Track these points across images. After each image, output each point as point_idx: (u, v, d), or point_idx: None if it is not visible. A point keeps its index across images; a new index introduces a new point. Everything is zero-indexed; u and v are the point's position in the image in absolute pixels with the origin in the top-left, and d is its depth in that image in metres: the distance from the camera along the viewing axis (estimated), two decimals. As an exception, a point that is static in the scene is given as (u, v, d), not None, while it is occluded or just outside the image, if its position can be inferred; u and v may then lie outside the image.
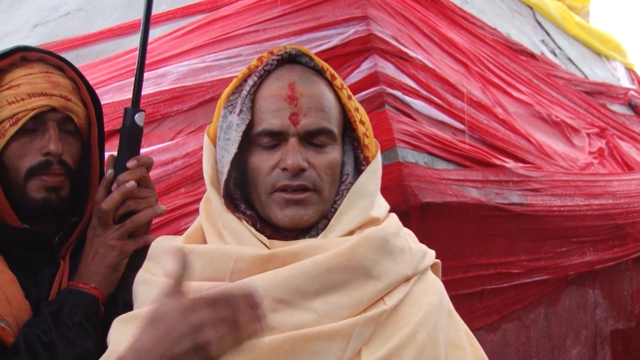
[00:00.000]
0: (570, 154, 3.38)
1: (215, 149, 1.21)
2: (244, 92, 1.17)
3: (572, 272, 2.98)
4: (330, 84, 1.20)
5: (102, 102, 2.76)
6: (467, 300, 2.53)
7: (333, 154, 1.16)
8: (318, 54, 2.56)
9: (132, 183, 1.43)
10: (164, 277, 1.14)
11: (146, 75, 2.80)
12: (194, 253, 1.12)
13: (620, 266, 3.31)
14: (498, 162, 2.68)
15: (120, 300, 1.46)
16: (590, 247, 3.06)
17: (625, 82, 5.18)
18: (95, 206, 1.46)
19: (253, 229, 1.14)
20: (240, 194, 1.19)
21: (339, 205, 1.17)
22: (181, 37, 2.98)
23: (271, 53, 1.20)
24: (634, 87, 5.14)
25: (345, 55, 2.53)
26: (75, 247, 1.51)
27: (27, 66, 1.46)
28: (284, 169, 1.12)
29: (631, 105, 4.71)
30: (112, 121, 2.51)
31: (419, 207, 2.24)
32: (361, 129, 1.21)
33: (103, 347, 1.18)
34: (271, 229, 1.15)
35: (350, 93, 1.22)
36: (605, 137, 3.88)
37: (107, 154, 1.55)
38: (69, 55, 3.30)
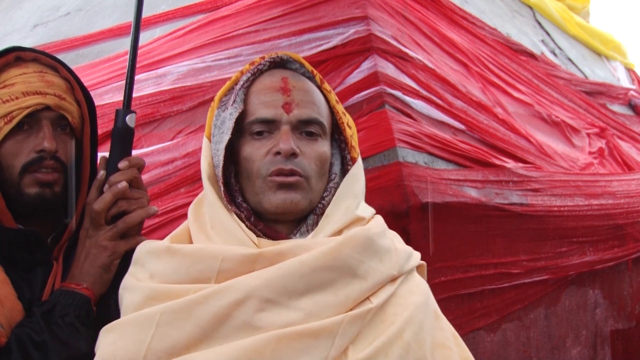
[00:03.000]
0: (570, 154, 3.38)
1: (211, 146, 1.23)
2: (237, 87, 1.21)
3: (572, 272, 2.98)
4: (320, 87, 1.25)
5: (102, 102, 2.77)
6: (467, 300, 2.53)
7: (323, 147, 1.20)
8: (318, 54, 2.56)
9: (123, 184, 1.44)
10: (149, 281, 1.15)
11: (146, 75, 2.81)
12: (180, 253, 1.13)
13: (620, 266, 3.31)
14: (498, 162, 2.67)
15: (112, 300, 1.46)
16: (590, 247, 3.06)
17: (625, 82, 5.18)
18: (87, 207, 1.47)
19: (244, 225, 1.15)
20: (239, 188, 1.20)
21: (327, 202, 1.19)
22: (181, 37, 2.98)
23: (263, 58, 1.24)
24: (634, 87, 5.14)
25: (345, 55, 2.53)
26: (69, 248, 1.52)
27: (22, 66, 1.47)
28: (277, 153, 1.15)
29: (631, 105, 4.71)
30: (112, 121, 2.51)
31: (419, 207, 2.24)
32: (348, 132, 1.25)
33: (94, 347, 1.19)
34: (264, 224, 1.17)
35: (337, 98, 1.26)
36: (605, 137, 3.88)
37: (100, 155, 1.56)
38: (69, 55, 3.30)
